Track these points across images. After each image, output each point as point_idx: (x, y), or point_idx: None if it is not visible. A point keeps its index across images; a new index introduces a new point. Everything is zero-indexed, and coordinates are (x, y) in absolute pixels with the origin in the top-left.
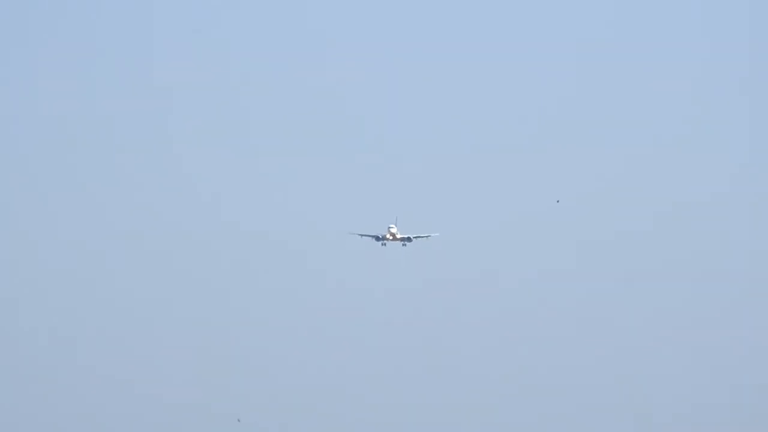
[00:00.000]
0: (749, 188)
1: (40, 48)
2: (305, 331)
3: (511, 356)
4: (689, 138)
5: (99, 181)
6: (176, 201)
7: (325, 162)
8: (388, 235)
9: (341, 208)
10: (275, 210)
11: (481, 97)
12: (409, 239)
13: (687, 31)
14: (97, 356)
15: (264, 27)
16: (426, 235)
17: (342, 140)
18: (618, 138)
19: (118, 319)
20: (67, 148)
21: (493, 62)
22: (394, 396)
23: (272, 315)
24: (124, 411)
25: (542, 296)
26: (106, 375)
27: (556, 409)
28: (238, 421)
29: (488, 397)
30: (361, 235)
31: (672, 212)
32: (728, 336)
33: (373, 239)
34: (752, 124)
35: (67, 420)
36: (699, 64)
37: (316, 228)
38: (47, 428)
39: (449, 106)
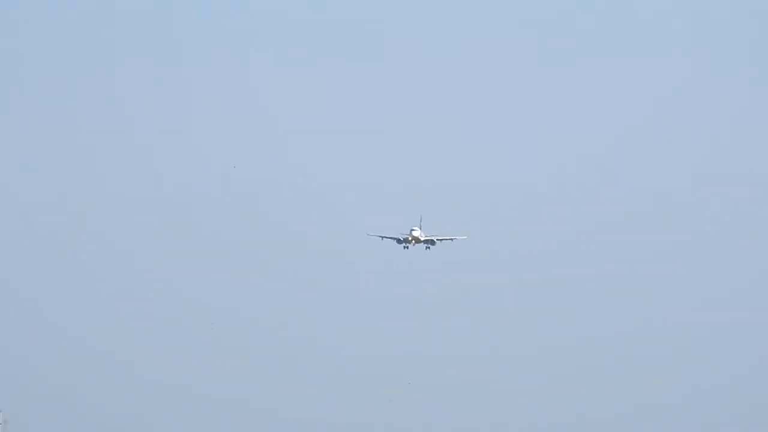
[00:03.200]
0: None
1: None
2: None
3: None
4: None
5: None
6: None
7: (344, 158)
8: (410, 238)
9: (361, 207)
10: (293, 208)
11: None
12: (432, 242)
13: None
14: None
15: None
16: (451, 237)
17: (364, 136)
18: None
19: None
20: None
21: (526, 65)
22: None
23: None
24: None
25: (575, 300)
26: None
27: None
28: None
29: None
30: (382, 237)
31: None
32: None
33: (395, 241)
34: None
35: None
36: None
37: (333, 228)
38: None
39: (478, 103)
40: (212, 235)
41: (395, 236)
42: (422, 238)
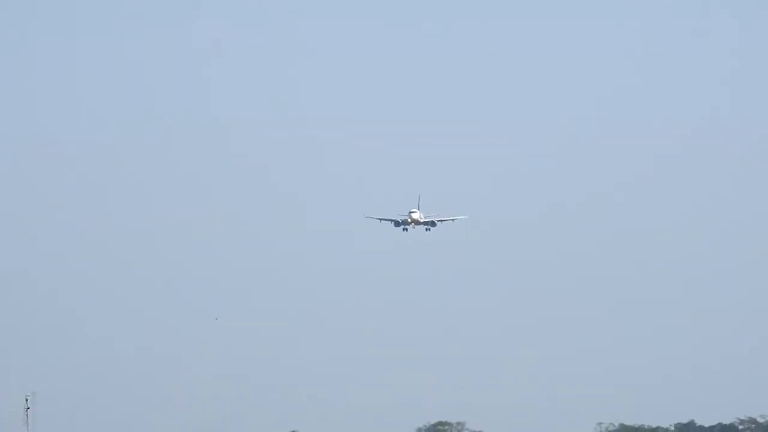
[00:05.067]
0: None
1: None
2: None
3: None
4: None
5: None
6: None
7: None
8: (409, 220)
9: (359, 189)
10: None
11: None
12: (433, 223)
13: None
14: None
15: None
16: (452, 218)
17: (361, 114)
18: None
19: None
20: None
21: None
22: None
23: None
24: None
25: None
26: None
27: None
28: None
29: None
30: (380, 219)
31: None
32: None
33: (393, 224)
34: None
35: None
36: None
37: (330, 210)
38: None
39: (476, 81)
40: (212, 216)
41: (394, 218)
42: (422, 220)
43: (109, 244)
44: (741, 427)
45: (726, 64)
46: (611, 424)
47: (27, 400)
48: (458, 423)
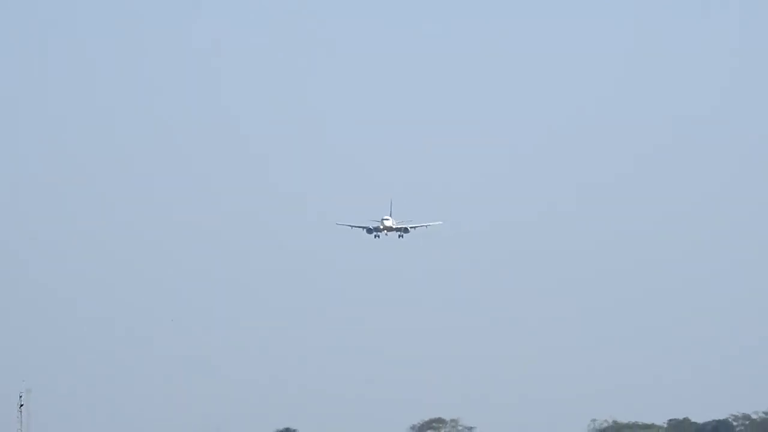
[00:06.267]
0: None
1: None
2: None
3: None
4: None
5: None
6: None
7: (308, 143)
8: (381, 227)
9: (328, 195)
10: (254, 193)
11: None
12: (406, 230)
13: None
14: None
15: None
16: (426, 224)
17: (329, 119)
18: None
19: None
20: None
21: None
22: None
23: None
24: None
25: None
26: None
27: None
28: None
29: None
30: (351, 226)
31: None
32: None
33: (365, 231)
34: None
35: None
36: None
37: (300, 217)
38: None
39: (447, 86)
40: (212, 217)
41: (365, 225)
42: (395, 227)
43: (109, 241)
44: (735, 423)
45: (726, 64)
46: (605, 421)
47: (21, 396)
48: (452, 420)
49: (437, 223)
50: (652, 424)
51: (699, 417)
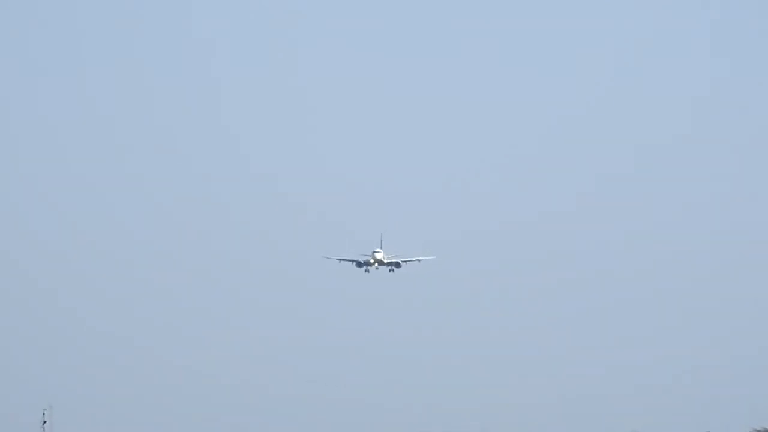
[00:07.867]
0: None
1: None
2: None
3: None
4: None
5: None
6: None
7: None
8: (372, 260)
9: (316, 227)
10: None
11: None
12: (397, 264)
13: None
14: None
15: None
16: (418, 258)
17: (321, 148)
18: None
19: None
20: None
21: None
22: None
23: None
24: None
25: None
26: None
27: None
28: None
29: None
30: (340, 260)
31: None
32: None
33: (354, 264)
34: None
35: None
36: None
37: (284, 250)
38: None
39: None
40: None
41: (355, 258)
42: (386, 260)
43: (115, 248)
44: None
45: (725, 63)
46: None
47: (44, 413)
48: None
49: (430, 257)
50: None
51: (720, 430)
